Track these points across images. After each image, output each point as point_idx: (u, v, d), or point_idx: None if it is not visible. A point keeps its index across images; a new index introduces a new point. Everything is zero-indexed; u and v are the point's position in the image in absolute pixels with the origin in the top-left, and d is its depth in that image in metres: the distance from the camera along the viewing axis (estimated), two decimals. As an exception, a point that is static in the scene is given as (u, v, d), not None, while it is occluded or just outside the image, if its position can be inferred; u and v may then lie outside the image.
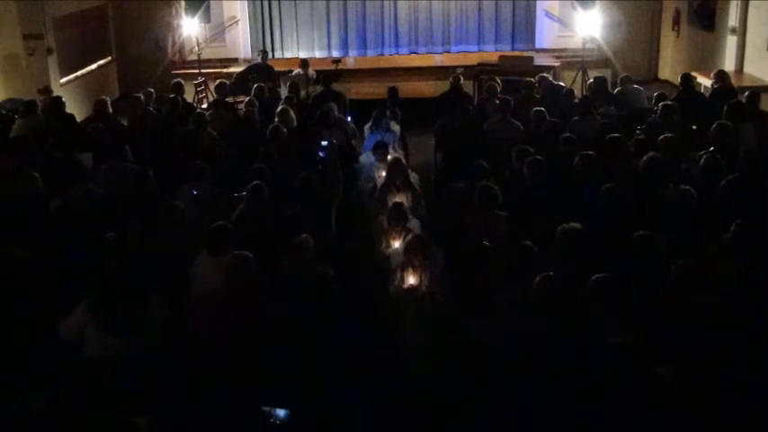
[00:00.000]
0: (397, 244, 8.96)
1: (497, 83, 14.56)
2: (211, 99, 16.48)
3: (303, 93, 15.93)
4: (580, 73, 18.08)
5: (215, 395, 6.22)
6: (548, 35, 21.61)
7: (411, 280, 8.02)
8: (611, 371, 6.04)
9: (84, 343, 6.92)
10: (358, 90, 18.84)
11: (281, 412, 6.16)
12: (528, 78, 14.92)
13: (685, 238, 8.04)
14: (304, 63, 17.59)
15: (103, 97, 14.06)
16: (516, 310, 6.93)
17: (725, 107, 11.65)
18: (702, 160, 9.79)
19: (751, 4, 16.89)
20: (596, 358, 6.16)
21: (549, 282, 6.98)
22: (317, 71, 17.49)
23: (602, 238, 8.15)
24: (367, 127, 13.25)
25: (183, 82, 15.49)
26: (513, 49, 21.75)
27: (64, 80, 17.97)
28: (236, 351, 6.70)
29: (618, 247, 7.84)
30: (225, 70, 19.84)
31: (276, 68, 18.17)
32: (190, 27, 18.99)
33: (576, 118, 12.54)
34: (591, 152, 9.93)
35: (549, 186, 9.49)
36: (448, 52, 22.13)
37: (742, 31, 17.15)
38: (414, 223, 9.46)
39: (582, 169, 9.72)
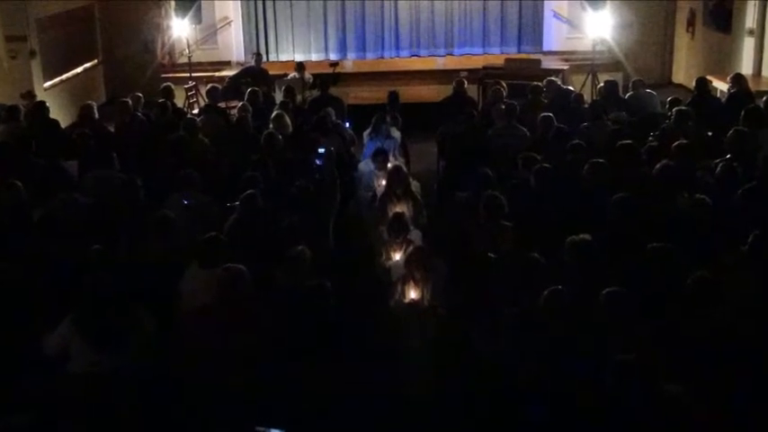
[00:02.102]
0: (397, 256, 9.01)
1: (503, 87, 14.59)
2: (203, 104, 16.51)
3: (299, 97, 15.96)
4: (590, 76, 18.15)
5: (207, 413, 6.24)
6: (556, 37, 21.68)
7: (412, 294, 8.05)
8: (621, 388, 6.06)
9: (69, 359, 6.93)
10: (357, 94, 18.88)
11: (276, 432, 6.18)
12: (535, 82, 14.98)
13: (701, 250, 8.06)
14: (300, 66, 17.65)
15: (89, 102, 14.09)
16: (522, 324, 6.95)
17: (742, 112, 11.69)
18: (718, 168, 9.82)
19: (769, 4, 16.97)
20: (605, 375, 6.18)
21: (558, 296, 7.00)
22: (313, 75, 17.55)
23: (613, 249, 8.16)
24: (366, 133, 13.29)
25: (172, 86, 15.54)
26: (519, 52, 21.83)
27: (48, 84, 18.03)
28: (230, 367, 6.72)
29: (629, 259, 7.86)
30: (217, 74, 19.90)
31: (271, 72, 18.24)
32: (180, 28, 19.05)
33: (585, 124, 12.57)
34: (601, 160, 9.95)
35: (556, 196, 9.51)
36: (451, 55, 22.22)
37: (760, 33, 17.22)
38: (415, 234, 9.50)
39: (591, 178, 9.74)
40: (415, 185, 10.95)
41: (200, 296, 7.58)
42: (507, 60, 19.03)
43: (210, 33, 21.11)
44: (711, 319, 6.91)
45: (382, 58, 22.25)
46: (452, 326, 7.68)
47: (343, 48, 22.22)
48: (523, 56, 20.95)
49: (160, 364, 6.98)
